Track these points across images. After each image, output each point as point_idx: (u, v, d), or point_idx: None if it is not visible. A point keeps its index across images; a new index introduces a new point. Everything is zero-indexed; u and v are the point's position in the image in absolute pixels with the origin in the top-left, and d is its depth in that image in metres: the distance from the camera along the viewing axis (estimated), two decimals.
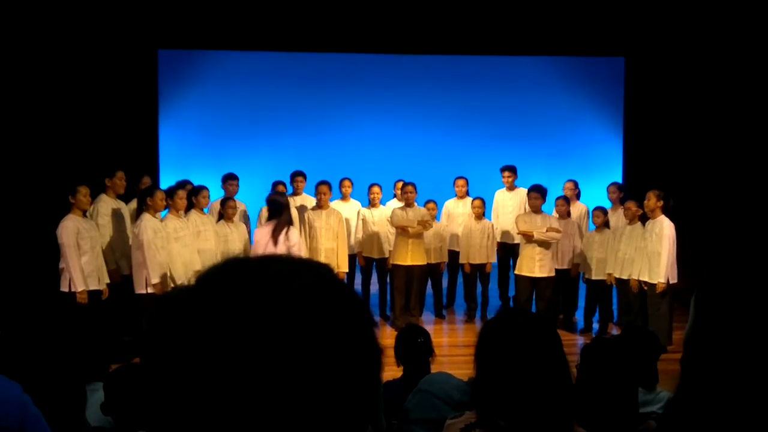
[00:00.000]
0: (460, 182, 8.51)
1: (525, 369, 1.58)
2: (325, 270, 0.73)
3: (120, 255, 6.82)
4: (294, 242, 6.33)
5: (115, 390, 2.53)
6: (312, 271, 0.71)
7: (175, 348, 0.66)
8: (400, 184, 8.35)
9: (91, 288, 6.07)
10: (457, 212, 8.46)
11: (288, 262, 0.72)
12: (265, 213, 7.65)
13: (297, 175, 8.23)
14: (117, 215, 6.90)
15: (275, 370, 0.63)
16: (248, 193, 8.58)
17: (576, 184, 8.33)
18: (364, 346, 0.70)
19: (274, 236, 6.27)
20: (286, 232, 6.32)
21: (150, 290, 6.02)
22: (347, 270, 7.63)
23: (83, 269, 6.00)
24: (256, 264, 0.71)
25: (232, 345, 0.63)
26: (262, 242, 6.31)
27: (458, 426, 1.69)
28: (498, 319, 1.78)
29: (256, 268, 0.70)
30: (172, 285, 6.15)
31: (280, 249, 6.16)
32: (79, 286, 5.95)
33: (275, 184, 7.85)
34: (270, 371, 0.63)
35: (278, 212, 6.41)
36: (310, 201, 8.25)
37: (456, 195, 8.56)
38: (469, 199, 8.31)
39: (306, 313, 0.66)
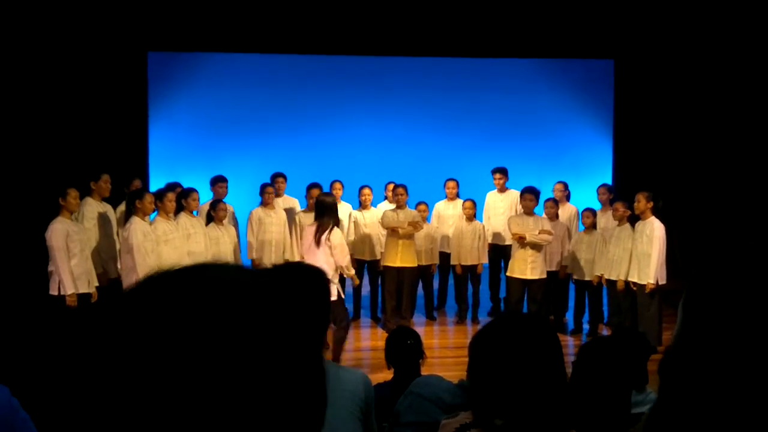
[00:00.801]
0: (451, 184, 8.51)
1: (526, 370, 1.58)
2: (268, 274, 0.70)
3: (107, 258, 6.78)
4: (336, 243, 6.20)
5: None
6: (248, 275, 0.69)
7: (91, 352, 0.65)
8: (391, 186, 8.35)
9: (81, 291, 6.03)
10: (447, 214, 8.45)
11: (224, 268, 0.70)
12: (255, 215, 7.61)
13: (277, 176, 8.19)
14: (103, 218, 6.86)
15: (205, 374, 0.60)
16: (238, 195, 8.54)
17: (566, 186, 8.34)
18: (297, 353, 0.66)
19: (317, 237, 6.19)
20: (329, 233, 6.23)
21: None
22: None
23: (72, 272, 5.96)
24: (185, 272, 0.68)
25: (153, 350, 0.61)
26: (308, 241, 6.26)
27: (453, 426, 1.68)
28: (498, 320, 1.77)
29: (184, 276, 0.67)
30: None
31: (322, 249, 6.13)
32: (69, 289, 5.90)
33: (264, 186, 7.78)
34: (200, 376, 0.60)
35: (321, 213, 6.31)
36: (292, 202, 8.22)
37: (446, 197, 8.56)
38: (459, 201, 8.31)
39: (229, 316, 0.63)
